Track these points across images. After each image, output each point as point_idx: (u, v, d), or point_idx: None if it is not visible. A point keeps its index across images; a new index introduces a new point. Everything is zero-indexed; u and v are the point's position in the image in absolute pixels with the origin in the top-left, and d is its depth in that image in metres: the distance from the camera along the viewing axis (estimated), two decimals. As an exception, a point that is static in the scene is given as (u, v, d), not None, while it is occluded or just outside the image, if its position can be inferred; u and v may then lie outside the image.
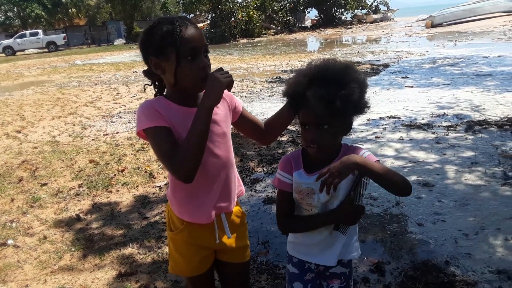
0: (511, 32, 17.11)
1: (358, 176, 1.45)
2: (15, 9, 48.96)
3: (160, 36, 1.45)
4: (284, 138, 5.34)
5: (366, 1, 35.84)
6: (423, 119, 5.77)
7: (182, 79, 1.47)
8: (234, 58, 16.90)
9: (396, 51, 14.26)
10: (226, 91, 1.50)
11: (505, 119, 5.34)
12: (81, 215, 3.67)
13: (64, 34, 40.08)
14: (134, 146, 5.55)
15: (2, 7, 48.72)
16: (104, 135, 6.44)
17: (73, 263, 2.90)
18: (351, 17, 36.46)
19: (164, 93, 1.60)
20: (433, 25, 23.95)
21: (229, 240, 1.66)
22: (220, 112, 1.60)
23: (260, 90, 9.17)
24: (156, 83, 1.63)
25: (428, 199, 3.48)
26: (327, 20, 34.84)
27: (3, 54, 35.93)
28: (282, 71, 12.07)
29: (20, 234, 3.38)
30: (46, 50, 37.04)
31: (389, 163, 4.28)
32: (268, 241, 3.03)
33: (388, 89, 7.96)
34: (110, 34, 45.23)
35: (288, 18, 33.88)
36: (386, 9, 36.32)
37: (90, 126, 7.14)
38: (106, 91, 11.08)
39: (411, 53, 13.30)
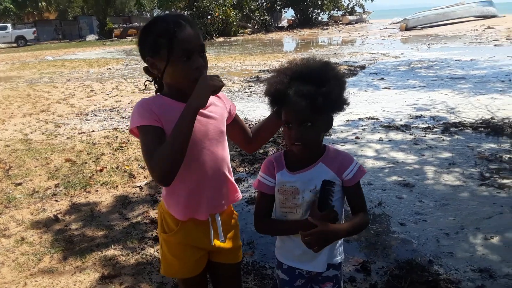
0: (481, 36, 17.66)
1: (322, 186, 1.47)
2: (-18, 1, 47.30)
3: (154, 35, 1.45)
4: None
5: (342, 2, 36.29)
6: (401, 120, 5.88)
7: (173, 78, 1.47)
8: (211, 57, 16.80)
9: (372, 53, 14.49)
10: (221, 92, 1.53)
11: (480, 121, 5.49)
12: (59, 215, 3.56)
13: (34, 29, 38.90)
14: (112, 145, 5.43)
15: (-31, -1, 46.98)
16: (79, 133, 6.28)
17: (54, 265, 2.81)
18: (327, 18, 36.84)
19: (163, 91, 1.57)
20: (407, 28, 24.46)
21: (222, 241, 1.64)
22: (218, 111, 1.60)
23: (239, 90, 9.15)
24: (157, 79, 1.60)
25: (409, 199, 3.54)
26: (304, 21, 35.11)
27: (-31, 48, 34.64)
28: (260, 70, 12.09)
29: (-5, 236, 3.26)
30: (15, 44, 35.89)
31: (370, 163, 4.33)
32: (253, 242, 3.01)
33: (365, 91, 8.07)
34: (82, 30, 44.16)
35: (265, 18, 33.96)
36: (361, 11, 36.86)
37: (64, 124, 6.96)
38: (79, 88, 10.83)
39: (387, 55, 13.54)
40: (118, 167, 4.62)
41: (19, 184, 4.26)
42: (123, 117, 7.23)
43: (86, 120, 7.23)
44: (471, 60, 11.17)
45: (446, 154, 4.45)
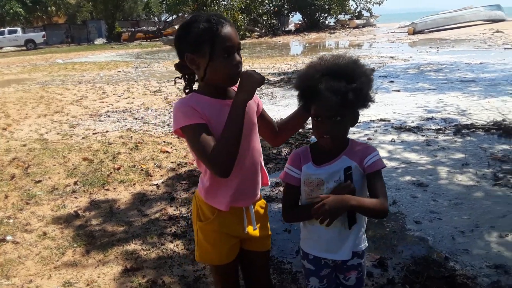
0: (491, 40, 17.63)
1: (344, 173, 1.55)
2: (-7, 6, 47.87)
3: (197, 33, 1.51)
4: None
5: (350, 6, 36.34)
6: (412, 122, 5.92)
7: (215, 74, 1.53)
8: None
9: (381, 56, 14.52)
10: None
11: (491, 123, 5.52)
12: (79, 211, 3.64)
13: (44, 33, 39.33)
14: (128, 144, 5.52)
15: (-20, 3, 47.58)
16: (93, 133, 6.39)
17: (77, 259, 2.89)
18: (334, 22, 36.94)
19: (196, 89, 1.64)
20: (415, 32, 24.46)
21: (254, 230, 1.72)
22: (251, 105, 1.66)
23: (249, 92, 9.20)
24: (186, 76, 1.68)
25: (423, 198, 3.58)
26: (311, 25, 35.22)
27: (-20, 51, 35.08)
28: (269, 73, 12.15)
29: (18, 231, 3.34)
30: (24, 48, 36.28)
31: (383, 163, 4.37)
32: (271, 237, 3.06)
33: (376, 93, 8.05)
34: (90, 33, 44.56)
35: (272, 22, 34.12)
36: (369, 15, 36.91)
37: (78, 125, 7.07)
38: (91, 90, 10.97)
39: (396, 59, 13.57)
40: (134, 165, 4.70)
41: (39, 181, 4.35)
42: (136, 118, 7.33)
43: (100, 121, 7.33)
44: (481, 63, 11.17)
45: (459, 155, 4.49)
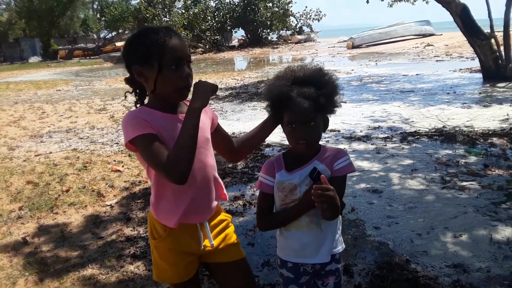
0: (423, 53, 18.78)
1: (311, 172, 1.57)
2: None
3: (145, 45, 1.50)
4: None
5: (291, 22, 37.36)
6: (361, 131, 6.13)
7: (165, 87, 1.52)
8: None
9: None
10: None
11: (433, 130, 5.83)
12: (27, 238, 3.40)
13: (-28, 51, 36.98)
14: (75, 165, 5.26)
15: None
16: (36, 155, 6.03)
17: (30, 289, 2.68)
18: (277, 38, 37.76)
19: (146, 102, 1.62)
20: (354, 46, 25.57)
21: (215, 243, 1.67)
22: (202, 119, 1.62)
23: (198, 107, 9.14)
24: (138, 91, 1.66)
25: (379, 204, 3.69)
26: (254, 40, 35.79)
27: None
28: (216, 88, 12.14)
29: (-40, 262, 3.05)
30: (-49, 67, 33.87)
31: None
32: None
33: (342, 99, 8.30)
34: (23, 52, 42.39)
35: (215, 37, 34.29)
36: (309, 30, 38.12)
37: (17, 147, 6.66)
38: (29, 110, 10.41)
39: (338, 72, 14.05)
40: (84, 187, 4.48)
41: (-21, 208, 4.03)
42: (81, 138, 7.02)
43: (42, 142, 6.95)
44: (417, 74, 11.85)
45: (408, 161, 4.69)
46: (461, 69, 12.16)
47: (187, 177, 1.42)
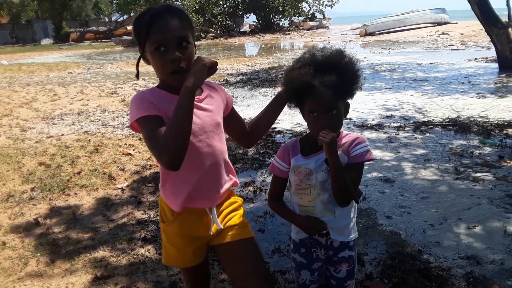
0: (437, 41, 18.47)
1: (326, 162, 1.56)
2: None
3: (137, 27, 1.47)
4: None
5: (303, 8, 36.91)
6: (373, 120, 6.06)
7: (156, 70, 1.49)
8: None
9: (336, 57, 14.80)
10: (218, 84, 1.62)
11: (447, 120, 5.75)
12: (39, 219, 3.42)
13: (-15, 32, 37.17)
14: (86, 148, 5.28)
15: None
16: (47, 137, 6.06)
17: (41, 269, 2.70)
18: (288, 24, 37.36)
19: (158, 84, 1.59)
20: (367, 34, 25.22)
21: (222, 225, 1.63)
22: (215, 103, 1.60)
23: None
24: None
25: (391, 193, 3.65)
26: (266, 26, 35.45)
27: None
28: (227, 74, 12.10)
29: (-27, 242, 3.09)
30: (-36, 48, 34.13)
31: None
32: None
33: (363, 81, 8.22)
34: (36, 34, 42.61)
35: (227, 23, 34.04)
36: (321, 17, 37.64)
37: (29, 129, 6.70)
38: (41, 92, 10.45)
39: (350, 59, 13.88)
40: (96, 169, 4.49)
41: (-9, 189, 4.07)
42: (93, 121, 7.04)
43: (53, 124, 6.98)
44: (431, 63, 11.66)
45: (421, 151, 4.63)
46: (476, 59, 11.94)
47: (179, 162, 1.34)
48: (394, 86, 8.63)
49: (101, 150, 5.15)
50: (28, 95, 10.12)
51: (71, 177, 4.29)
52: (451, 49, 15.22)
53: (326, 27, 36.48)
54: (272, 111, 1.74)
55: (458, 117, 5.89)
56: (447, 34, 21.06)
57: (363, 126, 5.73)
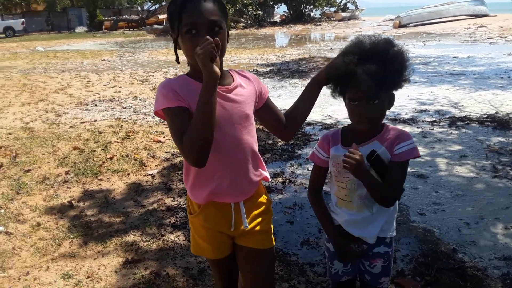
0: (475, 34, 17.84)
1: (369, 156, 1.52)
2: (-31, -9, 46.27)
3: (170, 10, 1.42)
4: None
5: (335, -1, 36.33)
6: (406, 114, 5.91)
7: (186, 55, 1.43)
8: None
9: (368, 49, 14.51)
10: (251, 73, 1.58)
11: (485, 116, 5.54)
12: (73, 202, 3.51)
13: (23, 20, 38.17)
14: (118, 134, 5.37)
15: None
16: (81, 122, 6.20)
17: (74, 250, 2.77)
18: (320, 14, 36.86)
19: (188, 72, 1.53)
20: (401, 25, 24.60)
21: (249, 226, 1.58)
22: (245, 93, 1.53)
23: (239, 82, 9.10)
24: None
25: (425, 189, 3.56)
26: (296, 16, 35.08)
27: (-44, 37, 33.91)
28: (257, 64, 12.05)
29: (10, 221, 3.19)
30: (3, 35, 35.23)
31: (381, 155, 4.34)
32: (273, 229, 2.99)
33: (411, 73, 8.06)
34: (70, 21, 43.51)
35: (257, 13, 33.87)
36: (354, 8, 36.96)
37: (64, 114, 6.86)
38: (75, 79, 10.68)
39: (383, 51, 13.59)
40: (127, 155, 4.57)
41: (28, 171, 4.19)
42: (125, 108, 7.15)
43: (87, 110, 7.13)
44: (468, 57, 11.27)
45: (456, 147, 4.49)
46: (516, 53, 11.46)
47: (204, 160, 1.33)
48: (429, 80, 8.39)
49: (132, 137, 5.23)
50: (63, 81, 10.36)
51: (103, 162, 4.37)
52: (490, 43, 14.66)
53: (358, 18, 35.80)
54: (308, 99, 1.64)
55: (496, 113, 5.67)
56: (485, 27, 20.31)
57: (395, 120, 5.59)
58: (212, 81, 1.29)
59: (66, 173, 4.12)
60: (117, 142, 5.02)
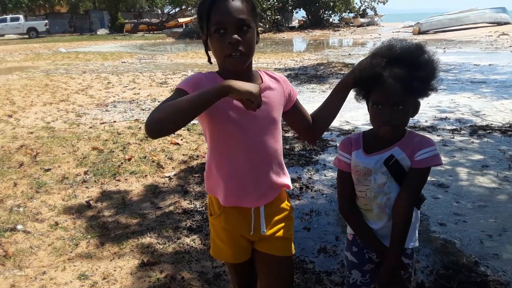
0: (497, 42, 17.53)
1: (386, 162, 1.52)
2: (-5, -8, 47.45)
3: (200, 10, 1.42)
4: (290, 134, 5.29)
5: (354, 4, 36.12)
6: (426, 121, 5.82)
7: (214, 54, 1.43)
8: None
9: (388, 55, 14.38)
10: (281, 76, 1.58)
11: (508, 125, 5.42)
12: (91, 202, 3.53)
13: (46, 21, 39.00)
14: (137, 135, 5.40)
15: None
16: (101, 123, 6.27)
17: (91, 251, 2.78)
18: (338, 20, 36.72)
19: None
20: (420, 32, 24.33)
21: (269, 232, 1.55)
22: (272, 96, 1.50)
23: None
24: None
25: (445, 199, 3.48)
26: (315, 22, 34.99)
27: (-18, 38, 34.79)
28: (275, 68, 12.03)
29: (29, 220, 3.23)
30: (26, 36, 36.01)
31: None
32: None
33: (440, 83, 7.98)
34: (92, 24, 44.30)
35: (276, 17, 33.89)
36: (373, 14, 36.70)
37: (84, 114, 6.95)
38: (96, 80, 10.83)
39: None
40: (145, 157, 4.59)
41: (48, 170, 4.24)
42: (143, 109, 7.21)
43: (107, 111, 7.21)
44: (489, 65, 11.07)
45: (478, 156, 4.39)
46: (540, 62, 11.22)
47: (155, 133, 1.28)
48: (449, 87, 8.26)
49: (150, 139, 5.25)
50: (84, 82, 10.51)
51: (122, 163, 4.40)
52: (512, 51, 14.40)
53: (377, 24, 35.55)
54: (334, 102, 1.63)
55: (519, 122, 5.54)
56: (507, 34, 19.93)
57: (414, 127, 5.51)
58: (223, 92, 1.26)
59: (85, 173, 4.16)
60: (135, 143, 5.05)
